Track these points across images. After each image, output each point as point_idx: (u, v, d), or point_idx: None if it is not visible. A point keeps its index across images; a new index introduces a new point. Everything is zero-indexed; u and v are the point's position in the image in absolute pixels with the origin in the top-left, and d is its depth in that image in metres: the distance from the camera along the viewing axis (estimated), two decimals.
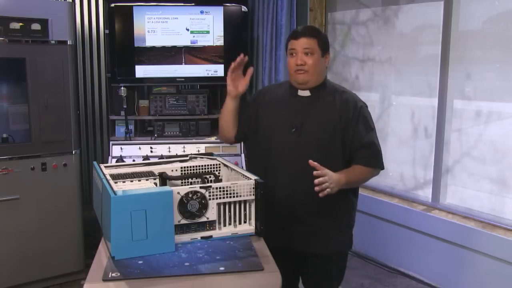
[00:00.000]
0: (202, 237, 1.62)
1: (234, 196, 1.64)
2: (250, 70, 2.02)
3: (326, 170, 1.76)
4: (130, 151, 3.01)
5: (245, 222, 1.69)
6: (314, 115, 1.95)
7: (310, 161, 1.74)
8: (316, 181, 1.73)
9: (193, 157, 2.07)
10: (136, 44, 3.64)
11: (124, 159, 2.95)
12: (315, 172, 1.73)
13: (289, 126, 1.94)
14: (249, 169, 2.07)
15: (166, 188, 1.55)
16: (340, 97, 1.97)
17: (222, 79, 3.82)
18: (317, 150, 1.90)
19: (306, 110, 1.95)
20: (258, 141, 2.05)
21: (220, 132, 2.18)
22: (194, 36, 3.70)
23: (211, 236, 1.63)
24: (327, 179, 1.74)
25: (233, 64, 1.99)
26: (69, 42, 3.06)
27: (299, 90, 1.98)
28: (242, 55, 1.99)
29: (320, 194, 1.74)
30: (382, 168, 2.01)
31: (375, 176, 2.03)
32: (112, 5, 3.61)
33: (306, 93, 1.97)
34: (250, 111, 2.09)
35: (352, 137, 1.93)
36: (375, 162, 1.98)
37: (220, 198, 1.62)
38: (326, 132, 1.93)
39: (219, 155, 2.09)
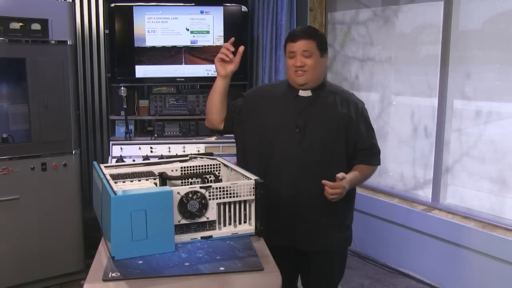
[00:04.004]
0: (202, 237, 1.62)
1: (234, 196, 1.64)
2: (241, 49, 1.92)
3: (340, 184, 1.85)
4: (130, 151, 3.01)
5: (245, 222, 1.68)
6: (317, 115, 1.96)
7: (324, 181, 1.85)
8: (329, 192, 1.86)
9: (193, 157, 2.06)
10: (136, 44, 3.64)
11: (124, 159, 2.95)
12: (329, 185, 1.85)
13: (293, 126, 1.94)
14: (239, 164, 2.04)
15: (166, 188, 1.55)
16: (340, 97, 2.01)
17: None
18: (322, 150, 1.94)
19: (309, 111, 1.96)
20: (258, 142, 2.00)
21: (207, 115, 2.05)
22: (194, 36, 3.70)
23: (211, 236, 1.63)
24: (339, 191, 1.86)
25: (223, 51, 1.90)
26: (69, 42, 3.06)
27: (300, 91, 1.98)
28: (230, 45, 1.91)
29: (330, 198, 1.88)
30: (379, 164, 2.13)
31: (374, 175, 2.17)
32: (112, 5, 3.61)
33: (308, 93, 1.97)
34: (242, 103, 2.05)
35: (356, 137, 2.00)
36: (376, 160, 2.10)
37: (220, 198, 1.62)
38: (330, 131, 1.95)
39: (219, 155, 2.09)
